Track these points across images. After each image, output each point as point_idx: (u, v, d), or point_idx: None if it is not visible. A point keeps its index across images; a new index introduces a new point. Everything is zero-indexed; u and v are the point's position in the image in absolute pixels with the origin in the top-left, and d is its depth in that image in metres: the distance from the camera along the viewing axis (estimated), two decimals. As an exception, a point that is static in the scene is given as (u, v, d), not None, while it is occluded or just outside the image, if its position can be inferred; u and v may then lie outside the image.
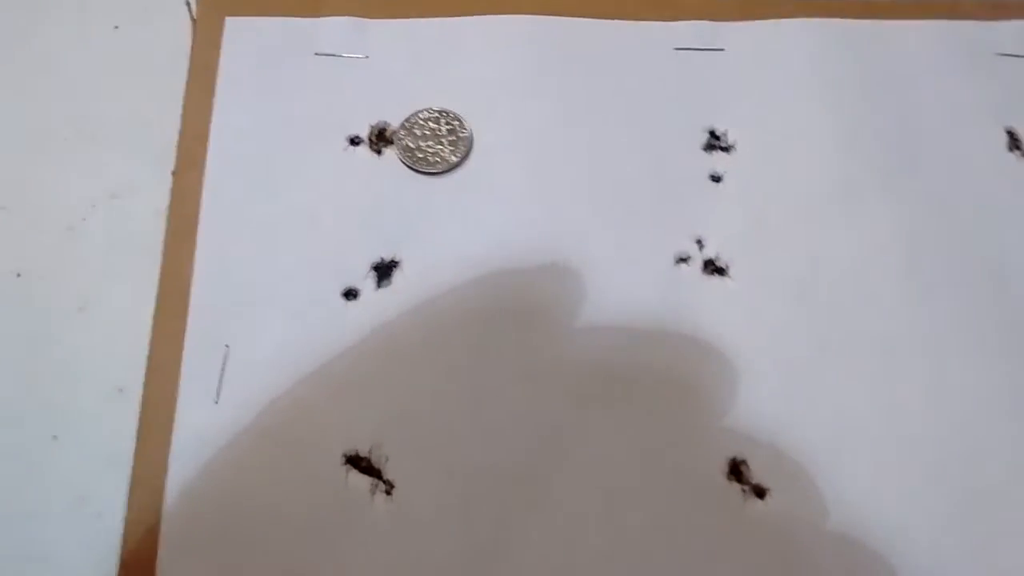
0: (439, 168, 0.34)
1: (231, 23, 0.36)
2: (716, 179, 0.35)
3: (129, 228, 0.34)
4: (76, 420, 0.31)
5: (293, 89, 0.35)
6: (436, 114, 0.35)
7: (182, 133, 0.35)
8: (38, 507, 0.29)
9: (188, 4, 0.37)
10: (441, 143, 0.35)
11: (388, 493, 0.30)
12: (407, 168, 0.34)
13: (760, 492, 0.30)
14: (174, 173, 0.34)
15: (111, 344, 0.32)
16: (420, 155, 0.34)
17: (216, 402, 0.31)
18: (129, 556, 0.29)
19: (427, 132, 0.35)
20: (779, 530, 0.29)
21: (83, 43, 0.38)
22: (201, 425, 0.30)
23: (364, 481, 0.30)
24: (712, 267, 0.33)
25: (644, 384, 0.31)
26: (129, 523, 0.29)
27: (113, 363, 0.32)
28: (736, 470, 0.30)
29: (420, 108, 0.35)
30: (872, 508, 0.29)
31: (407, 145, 0.34)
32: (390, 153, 0.35)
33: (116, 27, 0.38)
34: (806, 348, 0.32)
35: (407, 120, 0.35)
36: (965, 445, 0.31)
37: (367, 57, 0.36)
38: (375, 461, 0.30)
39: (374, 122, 0.35)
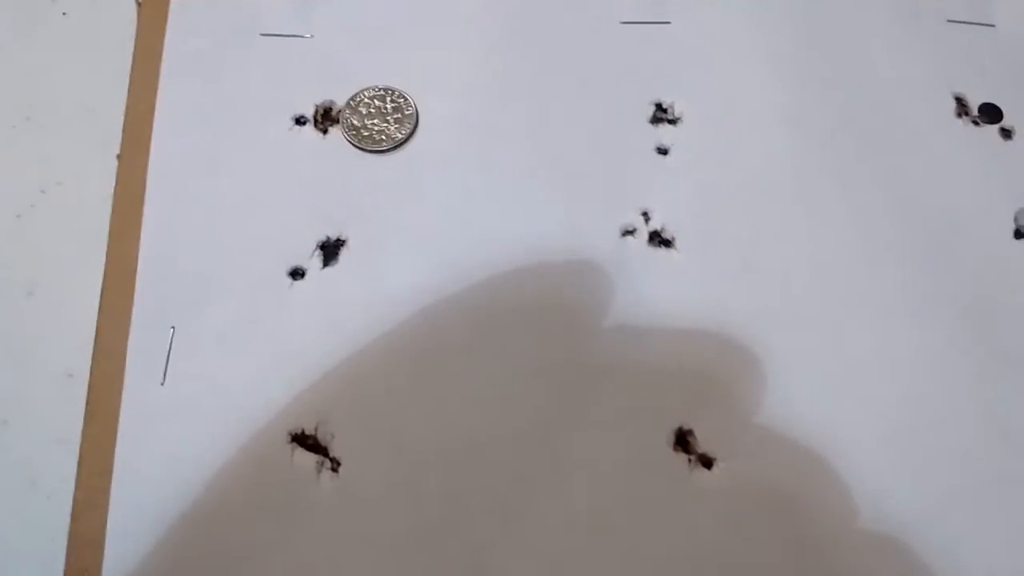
0: (385, 146, 0.34)
1: (176, 6, 0.36)
2: (663, 152, 0.35)
3: (77, 213, 0.34)
4: (26, 405, 0.31)
5: (238, 70, 0.35)
6: (381, 91, 0.35)
7: (127, 117, 0.35)
8: (-12, 491, 0.29)
9: (133, -13, 0.37)
10: (387, 120, 0.35)
11: (335, 471, 0.30)
12: (353, 147, 0.34)
13: (707, 462, 0.30)
14: (119, 157, 0.34)
15: (60, 329, 0.32)
16: (366, 133, 0.34)
17: (162, 383, 0.31)
18: (78, 536, 0.29)
19: (372, 110, 0.35)
20: (726, 499, 0.29)
21: (31, 30, 0.37)
22: (148, 406, 0.30)
23: (310, 459, 0.30)
24: (658, 239, 0.33)
25: (591, 354, 0.31)
26: (77, 503, 0.29)
27: (62, 348, 0.32)
28: (683, 440, 0.30)
29: (365, 86, 0.35)
30: (819, 476, 0.29)
31: (352, 123, 0.34)
32: (336, 132, 0.35)
33: (64, 14, 0.38)
34: (751, 318, 0.32)
35: (352, 99, 0.35)
36: (914, 410, 0.31)
37: (312, 36, 0.36)
38: (321, 439, 0.30)
39: (319, 101, 0.35)
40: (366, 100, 0.35)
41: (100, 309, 0.32)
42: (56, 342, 0.32)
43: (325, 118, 0.35)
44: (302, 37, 0.36)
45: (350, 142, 0.34)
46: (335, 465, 0.30)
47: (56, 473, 0.30)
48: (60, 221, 0.34)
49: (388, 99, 0.35)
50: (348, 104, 0.35)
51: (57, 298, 0.33)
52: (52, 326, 0.32)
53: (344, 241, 0.33)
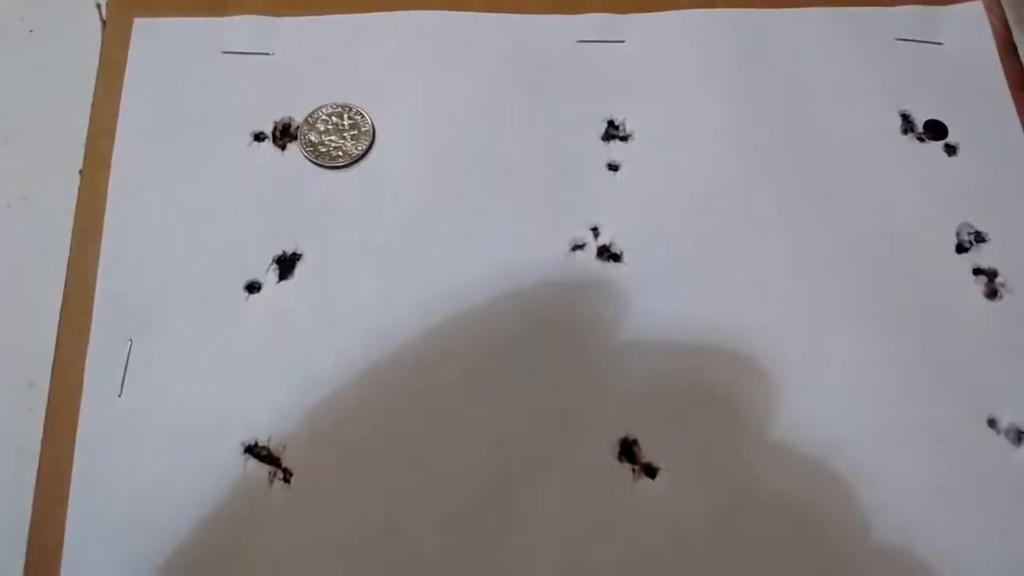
0: (342, 162, 0.35)
1: (139, 24, 0.37)
2: (613, 168, 0.36)
3: (40, 227, 0.35)
4: (-13, 415, 0.32)
5: (199, 87, 0.36)
6: (338, 108, 0.36)
7: (90, 132, 0.35)
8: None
9: (98, 5, 0.37)
10: (344, 137, 0.35)
11: (286, 481, 0.30)
12: (311, 163, 0.35)
13: (651, 471, 0.31)
14: (81, 172, 0.35)
15: (22, 340, 0.33)
16: (323, 149, 0.35)
17: (120, 395, 0.31)
18: (36, 545, 0.29)
19: (330, 127, 0.35)
20: (670, 509, 0.30)
21: (-4, 46, 0.38)
22: (105, 417, 0.31)
23: (263, 470, 0.30)
24: (607, 253, 0.34)
25: (540, 366, 0.32)
26: (37, 512, 0.30)
27: (24, 359, 0.32)
28: (628, 450, 0.31)
29: (324, 103, 0.36)
30: (755, 487, 0.30)
31: (310, 140, 0.35)
32: (294, 148, 0.35)
33: (31, 31, 0.39)
34: (694, 331, 0.32)
35: (310, 115, 0.35)
36: (851, 423, 0.31)
37: (273, 54, 0.37)
38: (274, 450, 0.31)
39: (279, 118, 0.36)
40: (324, 117, 0.35)
41: (60, 321, 0.33)
42: (18, 353, 0.33)
43: (284, 134, 0.36)
44: (263, 55, 0.37)
45: (308, 158, 0.35)
46: (287, 476, 0.30)
47: (16, 483, 0.30)
48: (24, 235, 0.35)
49: (345, 116, 0.36)
50: (306, 120, 0.35)
51: (20, 309, 0.33)
52: (14, 336, 0.33)
53: (300, 256, 0.34)
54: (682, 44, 0.38)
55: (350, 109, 0.36)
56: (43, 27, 0.39)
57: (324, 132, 0.35)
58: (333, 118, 0.35)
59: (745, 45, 0.38)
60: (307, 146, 0.35)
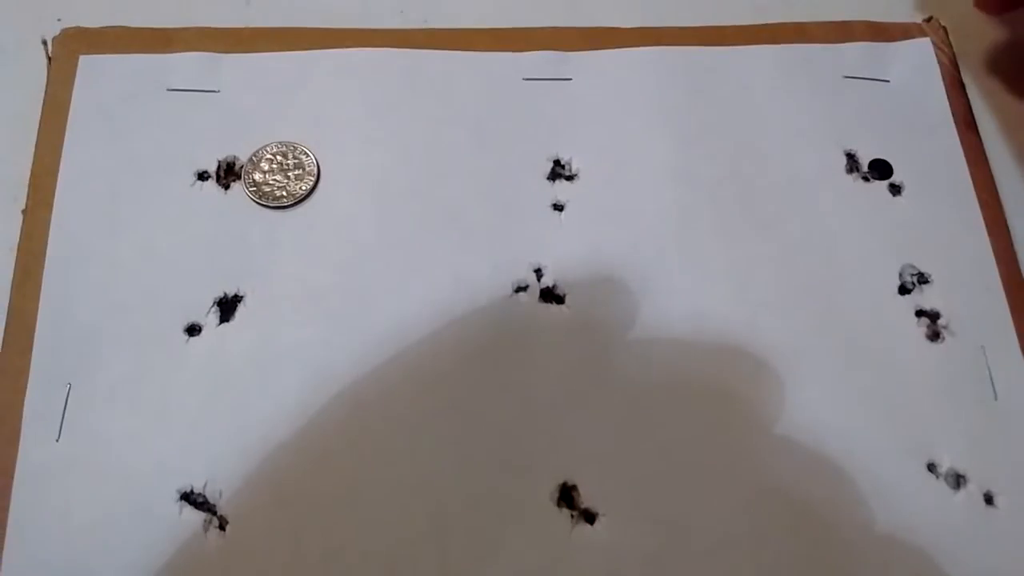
0: (286, 202, 0.35)
1: (85, 61, 0.37)
2: (559, 208, 0.36)
3: (-18, 267, 0.34)
4: (-77, 459, 0.31)
5: (144, 125, 0.36)
6: (283, 147, 0.36)
7: (33, 171, 0.35)
8: None
9: (44, 43, 0.37)
10: (288, 176, 0.35)
11: (222, 528, 0.30)
12: (254, 202, 0.35)
13: (590, 517, 0.31)
14: (24, 212, 0.35)
15: (-39, 382, 0.32)
16: (267, 189, 0.35)
17: (57, 440, 0.31)
18: (-32, 595, 0.29)
19: (274, 166, 0.35)
20: (607, 556, 0.30)
21: (-59, 83, 0.38)
22: (42, 463, 0.31)
23: (198, 517, 0.30)
24: (550, 296, 0.34)
25: (479, 409, 0.32)
26: (-30, 561, 0.30)
27: (-38, 402, 0.32)
28: (567, 495, 0.31)
29: (269, 141, 0.36)
30: (694, 534, 0.30)
31: (254, 179, 0.35)
32: (238, 187, 0.35)
33: (-24, 66, 0.39)
34: (635, 373, 0.32)
35: (254, 154, 0.35)
36: (790, 468, 0.31)
37: (218, 91, 0.37)
38: (210, 497, 0.31)
39: (223, 156, 0.36)
40: (268, 156, 0.35)
41: None
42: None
43: (228, 173, 0.36)
44: (209, 92, 0.37)
45: (251, 198, 0.35)
46: (223, 523, 0.30)
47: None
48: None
49: (290, 155, 0.35)
50: (250, 160, 0.35)
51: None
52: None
53: (241, 297, 0.33)
54: (629, 82, 0.38)
55: (295, 148, 0.36)
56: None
57: (268, 171, 0.35)
58: (278, 157, 0.35)
59: (692, 83, 0.38)
60: (250, 185, 0.35)
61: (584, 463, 0.31)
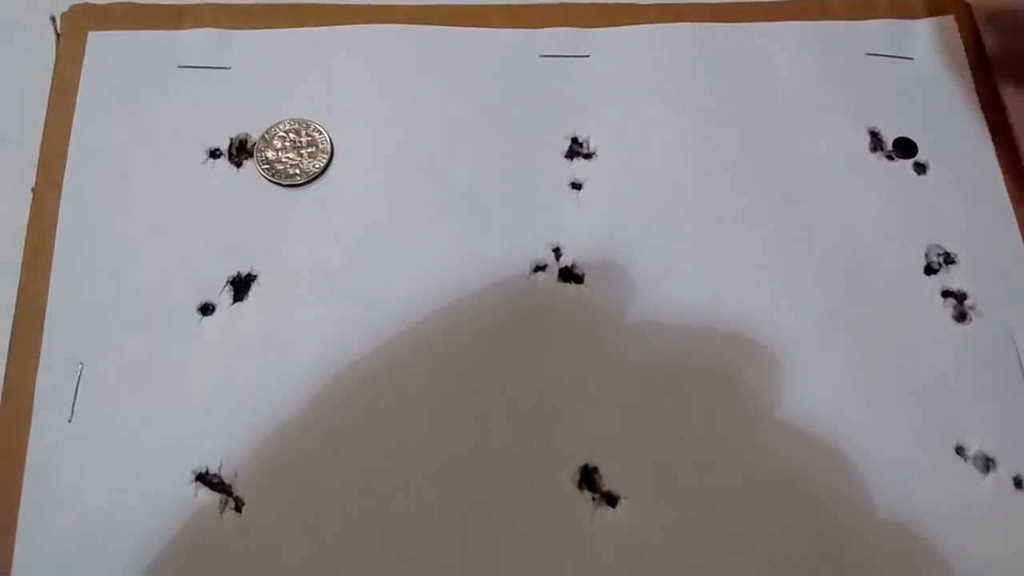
0: (299, 180, 0.34)
1: (94, 38, 0.36)
2: (576, 186, 0.35)
3: (-9, 245, 0.34)
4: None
5: (155, 102, 0.35)
6: (296, 125, 0.35)
7: (42, 150, 0.35)
8: None
9: (53, 19, 0.37)
10: (300, 154, 0.35)
11: (237, 509, 0.30)
12: (267, 180, 0.34)
13: (612, 500, 0.30)
14: (33, 190, 0.34)
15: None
16: (279, 167, 0.34)
17: (70, 420, 0.31)
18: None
19: (287, 144, 0.35)
20: (630, 538, 0.30)
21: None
22: (55, 444, 0.30)
23: (214, 498, 0.30)
24: (569, 275, 0.33)
25: (498, 391, 0.31)
26: (-17, 543, 0.29)
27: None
28: (588, 477, 0.31)
29: (281, 119, 0.35)
30: (716, 515, 0.30)
31: (266, 157, 0.34)
32: (250, 165, 0.35)
33: (-17, 42, 0.38)
34: (658, 356, 0.32)
35: (266, 132, 0.35)
36: (819, 451, 0.31)
37: (230, 68, 0.36)
38: (225, 477, 0.30)
39: (235, 134, 0.35)
40: (280, 133, 0.35)
41: (10, 344, 0.32)
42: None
43: (240, 151, 0.35)
44: (220, 68, 0.36)
45: (264, 176, 0.34)
46: (238, 504, 0.30)
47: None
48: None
49: (303, 132, 0.35)
50: (262, 137, 0.35)
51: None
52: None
53: (255, 276, 0.33)
54: (647, 59, 0.37)
55: (308, 125, 0.35)
56: (-3, 39, 0.38)
57: (281, 149, 0.34)
58: (291, 135, 0.35)
59: (711, 60, 0.37)
60: (263, 163, 0.34)
61: (605, 445, 0.31)
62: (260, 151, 0.34)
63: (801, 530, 0.30)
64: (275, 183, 0.34)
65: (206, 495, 0.30)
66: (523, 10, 0.37)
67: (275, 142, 0.35)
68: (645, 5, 0.38)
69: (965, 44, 0.38)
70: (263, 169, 0.34)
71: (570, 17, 0.37)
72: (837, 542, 0.29)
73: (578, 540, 0.29)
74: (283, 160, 0.34)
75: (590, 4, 0.38)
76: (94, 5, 0.37)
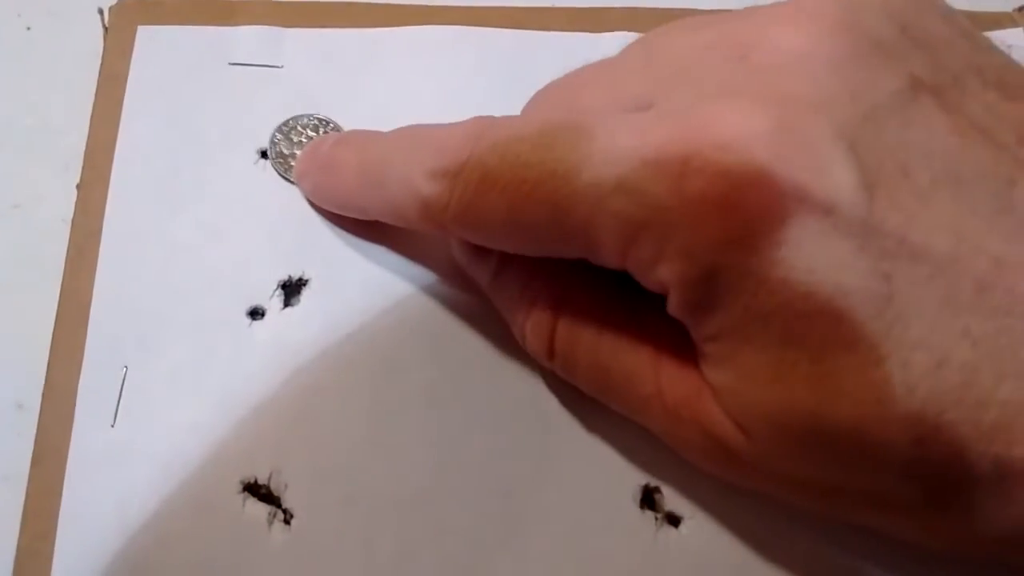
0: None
1: (143, 32, 0.35)
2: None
3: (32, 239, 0.33)
4: (-28, 437, 0.30)
5: (204, 100, 0.34)
6: (316, 122, 0.34)
7: (89, 145, 0.34)
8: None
9: (100, 11, 0.36)
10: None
11: (286, 522, 0.29)
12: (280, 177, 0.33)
13: (674, 520, 0.29)
14: (79, 186, 0.33)
15: (11, 358, 0.31)
16: (293, 163, 0.33)
17: (113, 425, 0.30)
18: (21, 580, 0.28)
19: (303, 140, 0.34)
20: (693, 560, 0.29)
21: (-9, 43, 0.37)
22: (97, 449, 0.29)
23: (262, 510, 0.29)
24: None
25: (559, 406, 0.30)
26: (21, 551, 0.28)
27: (13, 378, 0.31)
28: (649, 498, 0.30)
29: (335, 118, 0.34)
30: (783, 536, 0.29)
31: (280, 152, 0.33)
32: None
33: (28, 28, 0.37)
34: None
35: (283, 124, 0.34)
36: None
37: (282, 67, 0.35)
38: (274, 489, 0.29)
39: (287, 134, 0.34)
40: (299, 128, 0.34)
41: (52, 343, 0.31)
42: (7, 372, 0.31)
43: (291, 152, 0.34)
44: (272, 67, 0.35)
45: (278, 173, 0.33)
46: (287, 517, 0.29)
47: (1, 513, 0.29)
48: (15, 246, 0.33)
49: (322, 131, 0.34)
50: (279, 128, 0.33)
51: (10, 326, 0.32)
52: (3, 354, 0.31)
53: (307, 281, 0.32)
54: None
55: (328, 123, 0.34)
56: (41, 25, 0.37)
57: (297, 144, 0.33)
58: (307, 131, 0.34)
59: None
60: (277, 157, 0.33)
61: (666, 464, 0.30)
62: (275, 143, 0.33)
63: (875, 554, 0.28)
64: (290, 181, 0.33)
65: (254, 507, 0.29)
66: (584, 13, 0.37)
67: (292, 136, 0.33)
68: (706, 10, 0.37)
69: None
70: (276, 164, 0.33)
71: (632, 21, 0.36)
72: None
73: (641, 562, 0.29)
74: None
75: (650, 8, 0.37)
76: (143, -1, 0.36)
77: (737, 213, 0.19)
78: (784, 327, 0.20)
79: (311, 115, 0.34)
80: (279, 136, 0.33)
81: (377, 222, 0.30)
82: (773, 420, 0.21)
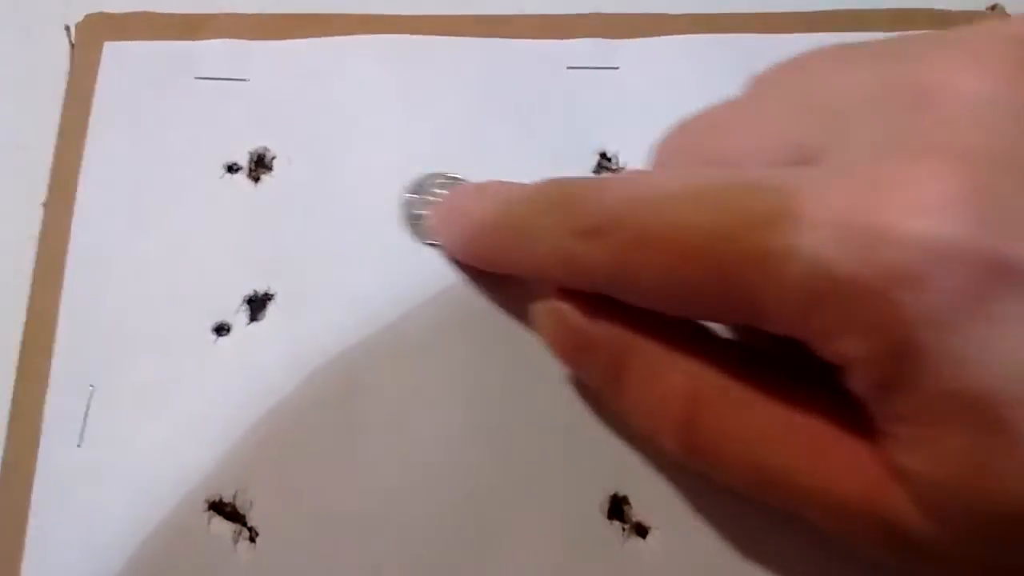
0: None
1: (109, 48, 0.35)
2: (606, 203, 0.34)
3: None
4: (-62, 462, 0.30)
5: (171, 115, 0.34)
6: (444, 180, 0.33)
7: (55, 162, 0.34)
8: None
9: (67, 28, 0.36)
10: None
11: (252, 540, 0.29)
12: (286, 195, 0.33)
13: (642, 531, 0.29)
14: (45, 204, 0.33)
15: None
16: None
17: (79, 445, 0.30)
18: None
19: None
20: (661, 570, 0.28)
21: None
22: (63, 469, 0.29)
23: (227, 528, 0.29)
24: (598, 296, 0.32)
25: (526, 416, 0.30)
26: (-12, 573, 0.28)
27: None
28: (617, 507, 0.29)
29: (302, 131, 0.34)
30: (766, 552, 0.28)
31: (414, 213, 0.32)
32: (268, 180, 0.33)
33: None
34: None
35: (415, 183, 0.33)
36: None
37: (248, 80, 0.35)
38: (239, 507, 0.29)
39: (253, 147, 0.34)
40: (427, 186, 0.33)
41: (19, 362, 0.31)
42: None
43: (258, 165, 0.34)
44: (239, 80, 0.35)
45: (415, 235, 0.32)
46: (253, 535, 0.29)
47: (-31, 535, 0.29)
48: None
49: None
50: (410, 189, 0.33)
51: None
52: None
53: (272, 295, 0.32)
54: (680, 71, 0.36)
55: (455, 181, 0.33)
56: (6, 41, 0.37)
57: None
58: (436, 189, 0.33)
59: (747, 73, 0.36)
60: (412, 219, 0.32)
61: (634, 474, 0.29)
62: (409, 204, 0.33)
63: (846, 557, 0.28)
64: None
65: (219, 525, 0.29)
66: (552, 21, 0.36)
67: (424, 193, 0.33)
68: (678, 16, 0.37)
69: (1009, 57, 0.37)
70: (414, 225, 0.32)
71: (600, 28, 0.36)
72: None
73: (607, 572, 0.28)
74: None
75: (620, 15, 0.37)
76: (110, 14, 0.36)
77: (937, 287, 0.18)
78: (989, 409, 0.18)
79: (441, 173, 0.33)
80: (411, 196, 0.32)
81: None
82: (976, 509, 0.19)
